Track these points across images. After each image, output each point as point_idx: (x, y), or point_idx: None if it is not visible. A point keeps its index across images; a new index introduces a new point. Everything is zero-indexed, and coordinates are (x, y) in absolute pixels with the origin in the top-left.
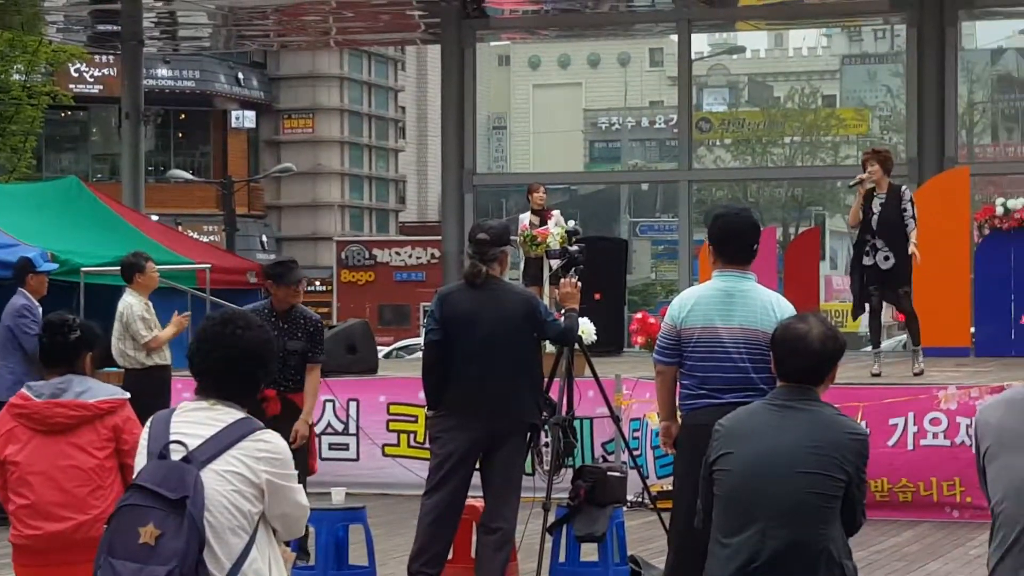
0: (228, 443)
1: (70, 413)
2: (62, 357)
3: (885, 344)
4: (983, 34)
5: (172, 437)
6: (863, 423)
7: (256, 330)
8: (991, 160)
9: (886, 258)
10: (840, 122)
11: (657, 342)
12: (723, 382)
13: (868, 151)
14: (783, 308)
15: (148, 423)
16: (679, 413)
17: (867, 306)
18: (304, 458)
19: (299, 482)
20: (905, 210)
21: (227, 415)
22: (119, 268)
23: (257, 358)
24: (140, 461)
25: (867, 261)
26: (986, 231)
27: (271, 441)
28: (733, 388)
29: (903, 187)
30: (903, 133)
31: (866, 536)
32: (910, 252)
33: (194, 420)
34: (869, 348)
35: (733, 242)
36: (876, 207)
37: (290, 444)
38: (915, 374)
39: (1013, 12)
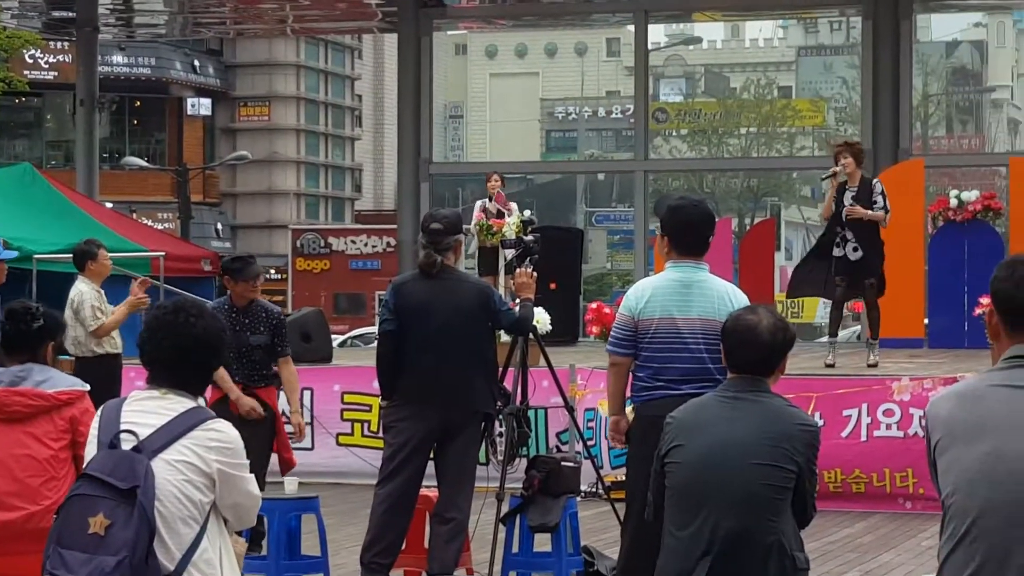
0: (179, 432)
1: (28, 402)
2: (24, 345)
3: (839, 335)
4: (938, 27)
5: (123, 426)
6: (816, 414)
7: (208, 318)
8: (945, 152)
9: (855, 249)
10: (796, 113)
11: (612, 333)
12: (680, 373)
13: (841, 144)
14: (739, 298)
15: (98, 412)
16: (630, 406)
17: (836, 292)
18: (268, 447)
19: (267, 474)
20: (876, 202)
21: (178, 404)
22: (71, 255)
23: (210, 347)
24: (90, 450)
25: (837, 252)
26: (940, 223)
27: (222, 431)
28: (690, 379)
29: (874, 180)
30: (858, 124)
31: (819, 527)
32: (867, 216)
33: (145, 409)
34: (824, 338)
35: (691, 234)
36: (848, 199)
37: (291, 436)
38: (869, 365)
39: (967, 5)
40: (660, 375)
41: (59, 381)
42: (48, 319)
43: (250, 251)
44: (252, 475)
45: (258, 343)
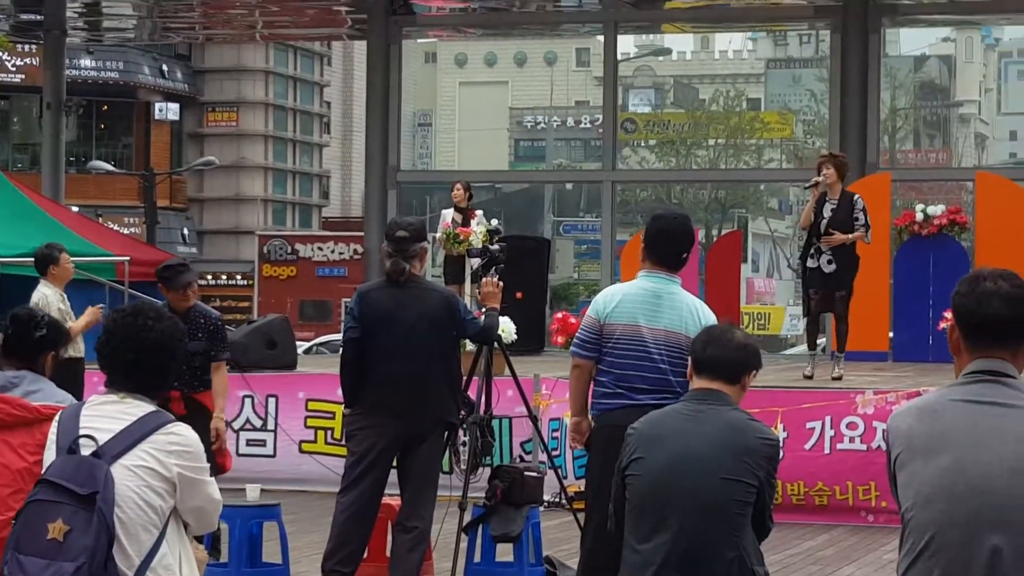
0: (139, 437)
1: (11, 411)
2: (22, 352)
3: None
4: (907, 41)
5: (82, 431)
6: (780, 426)
7: (167, 321)
8: (912, 166)
9: (829, 262)
10: (764, 125)
11: (576, 335)
12: (641, 382)
13: (825, 155)
14: (707, 315)
15: (57, 417)
16: (592, 413)
17: (810, 304)
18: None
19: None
20: (857, 219)
21: (137, 408)
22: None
23: (168, 350)
24: (49, 456)
25: (811, 264)
26: (906, 237)
27: (182, 434)
28: (651, 389)
29: (856, 195)
30: (826, 137)
31: (781, 540)
32: (847, 241)
33: (104, 414)
34: (790, 350)
35: (663, 245)
36: (827, 212)
37: (211, 445)
38: (834, 378)
39: (936, 20)
40: (622, 382)
41: (49, 395)
42: (51, 329)
43: (217, 257)
44: (213, 479)
45: (196, 350)
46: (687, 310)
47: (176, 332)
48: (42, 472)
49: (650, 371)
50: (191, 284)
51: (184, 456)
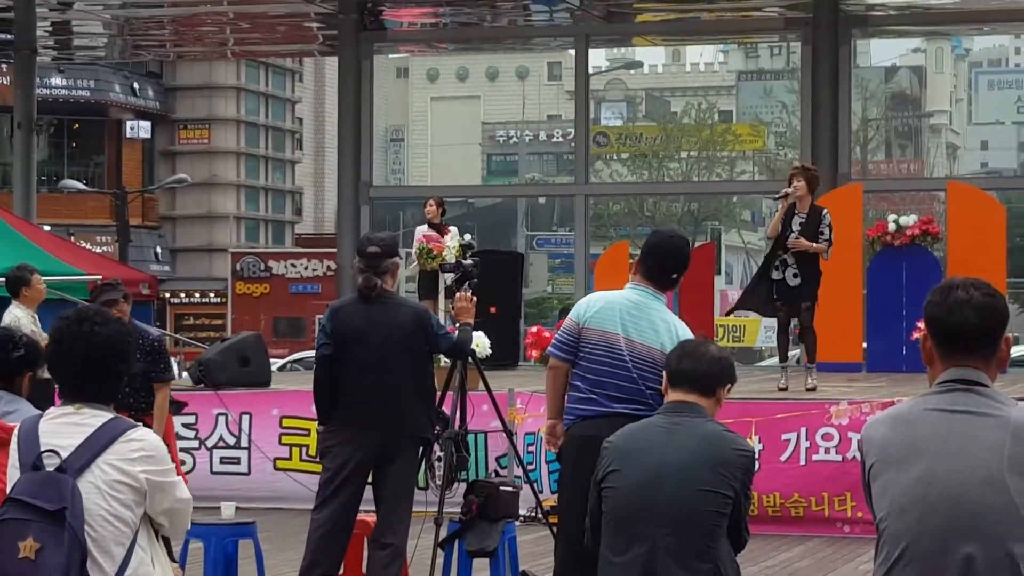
0: (100, 448)
1: None
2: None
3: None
4: (877, 52)
5: (43, 447)
6: (755, 438)
7: (114, 324)
8: (884, 177)
9: (795, 275)
10: (736, 137)
11: (556, 336)
12: (616, 390)
13: (797, 167)
14: (684, 333)
15: (15, 433)
16: (565, 420)
17: (779, 316)
18: None
19: None
20: (822, 233)
21: (94, 418)
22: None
23: (117, 352)
24: (13, 474)
25: (775, 275)
26: (878, 247)
27: (144, 439)
28: (625, 399)
29: (825, 211)
30: (797, 149)
31: (757, 551)
32: (811, 249)
33: (63, 427)
34: (764, 362)
35: (652, 260)
36: (796, 225)
37: None
38: (808, 389)
39: (906, 31)
40: (596, 388)
41: (26, 415)
42: (29, 349)
43: (190, 274)
44: (180, 478)
45: (135, 371)
46: (664, 326)
47: (124, 334)
48: (8, 490)
49: (624, 380)
50: (115, 302)
51: (149, 461)
